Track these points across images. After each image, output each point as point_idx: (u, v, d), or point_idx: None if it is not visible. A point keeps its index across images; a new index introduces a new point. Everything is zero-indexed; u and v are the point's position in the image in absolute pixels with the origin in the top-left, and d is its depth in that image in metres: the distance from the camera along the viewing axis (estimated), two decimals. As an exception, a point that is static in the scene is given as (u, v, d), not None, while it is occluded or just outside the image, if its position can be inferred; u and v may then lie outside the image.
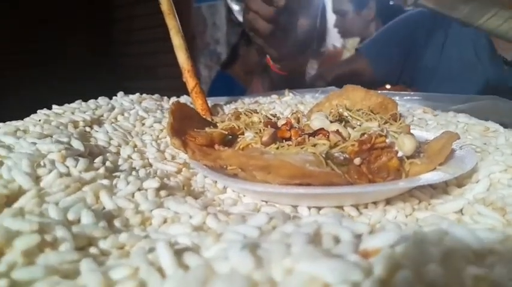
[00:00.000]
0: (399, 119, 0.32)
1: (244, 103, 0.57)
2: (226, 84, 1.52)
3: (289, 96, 0.58)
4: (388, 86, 0.83)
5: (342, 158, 0.26)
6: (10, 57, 1.65)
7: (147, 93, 0.54)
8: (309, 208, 0.27)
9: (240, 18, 2.45)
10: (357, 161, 0.26)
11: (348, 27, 1.26)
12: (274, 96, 0.59)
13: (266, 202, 0.28)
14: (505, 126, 0.42)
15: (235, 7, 2.51)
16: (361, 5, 1.23)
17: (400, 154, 0.28)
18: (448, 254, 0.16)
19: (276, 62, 0.73)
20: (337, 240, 0.16)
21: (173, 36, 0.50)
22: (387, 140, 0.28)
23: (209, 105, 0.52)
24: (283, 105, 0.53)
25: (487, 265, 0.17)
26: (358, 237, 0.17)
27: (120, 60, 2.41)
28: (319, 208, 0.27)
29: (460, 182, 0.29)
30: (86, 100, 0.46)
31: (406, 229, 0.22)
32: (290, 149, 0.28)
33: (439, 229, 0.18)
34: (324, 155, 0.26)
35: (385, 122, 0.32)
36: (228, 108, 0.55)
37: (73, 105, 0.42)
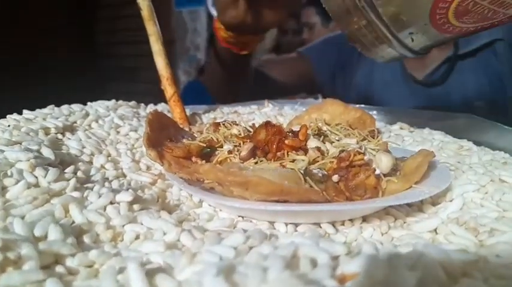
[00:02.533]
0: (377, 136, 0.33)
1: (223, 113, 0.57)
2: (196, 93, 1.51)
3: (268, 107, 0.58)
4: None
5: (320, 175, 0.26)
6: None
7: (130, 96, 0.53)
8: (286, 224, 0.27)
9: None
10: (335, 178, 0.26)
11: (315, 39, 1.28)
12: (253, 106, 0.59)
13: (243, 217, 0.28)
14: (478, 144, 0.43)
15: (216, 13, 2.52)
16: (329, 17, 1.25)
17: (377, 172, 0.28)
18: (422, 280, 0.16)
19: (230, 29, 0.62)
20: (314, 263, 0.16)
21: (153, 43, 0.49)
22: (365, 157, 0.28)
23: (187, 114, 0.52)
24: (262, 116, 0.53)
25: (461, 288, 0.17)
26: (336, 259, 0.17)
27: (103, 61, 2.37)
28: (296, 224, 0.27)
29: (434, 200, 0.30)
30: (65, 102, 0.45)
31: (382, 248, 0.22)
32: (269, 164, 0.28)
33: (414, 251, 0.18)
34: (302, 172, 0.26)
35: (363, 139, 0.32)
36: (207, 118, 0.54)
37: (45, 110, 0.41)
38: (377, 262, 0.15)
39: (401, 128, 0.46)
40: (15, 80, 1.71)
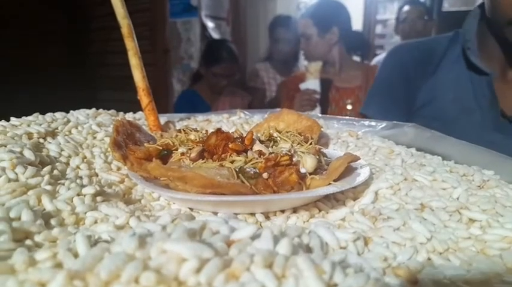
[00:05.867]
0: (309, 141, 0.38)
1: (196, 121, 0.62)
2: (191, 101, 1.57)
3: (237, 116, 0.63)
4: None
5: (252, 172, 0.32)
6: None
7: (121, 105, 0.59)
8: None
9: (214, 35, 2.51)
10: (265, 175, 0.32)
11: (312, 50, 1.34)
12: (225, 115, 0.64)
13: (191, 209, 0.33)
14: (421, 150, 0.49)
15: (210, 24, 2.58)
16: (325, 29, 1.32)
17: (303, 171, 0.33)
18: (296, 246, 0.21)
19: None
20: (216, 233, 0.21)
21: (131, 57, 0.54)
22: (294, 159, 0.34)
23: (162, 122, 0.57)
24: (229, 124, 0.59)
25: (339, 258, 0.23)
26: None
27: (96, 71, 2.42)
28: (236, 214, 0.32)
29: (356, 195, 0.35)
30: (56, 111, 0.50)
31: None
32: (211, 164, 0.33)
33: (300, 227, 0.23)
34: (237, 169, 0.31)
35: (298, 143, 0.38)
36: (180, 125, 0.60)
37: (30, 118, 0.46)
38: (257, 232, 0.20)
39: (350, 135, 0.51)
40: (6, 87, 1.76)
